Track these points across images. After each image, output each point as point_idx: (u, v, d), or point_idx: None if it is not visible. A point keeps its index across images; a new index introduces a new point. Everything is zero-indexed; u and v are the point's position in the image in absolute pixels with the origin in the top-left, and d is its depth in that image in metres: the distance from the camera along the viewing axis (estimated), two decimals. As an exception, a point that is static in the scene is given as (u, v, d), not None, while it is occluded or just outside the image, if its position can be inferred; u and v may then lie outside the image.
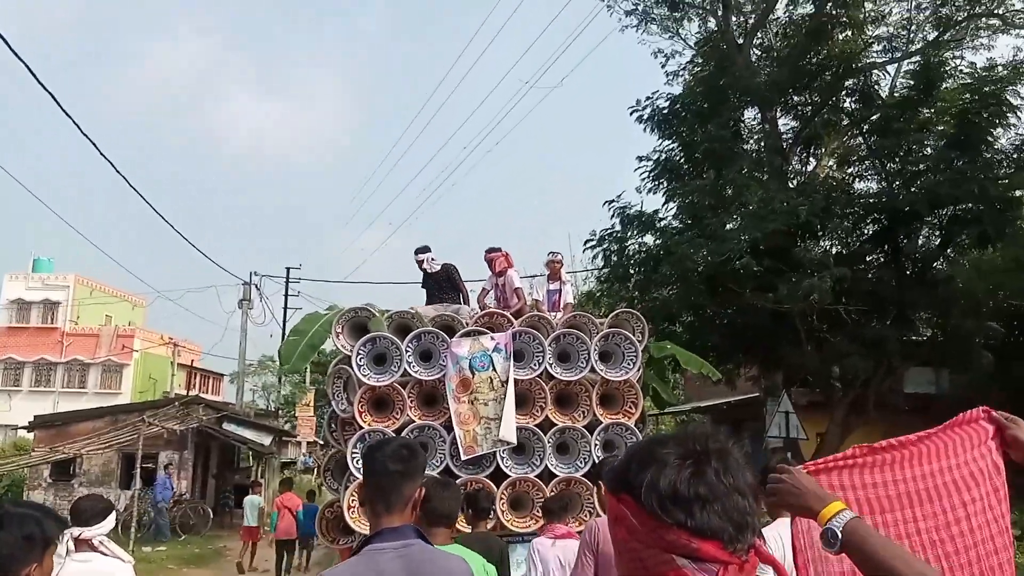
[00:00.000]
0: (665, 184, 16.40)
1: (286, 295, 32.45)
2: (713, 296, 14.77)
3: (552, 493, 7.05)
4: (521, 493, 7.28)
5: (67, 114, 11.30)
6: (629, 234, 16.07)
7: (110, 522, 3.76)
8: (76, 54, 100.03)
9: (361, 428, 7.22)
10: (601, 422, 7.51)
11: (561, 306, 9.12)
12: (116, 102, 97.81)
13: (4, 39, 9.10)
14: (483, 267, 9.21)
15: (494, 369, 7.33)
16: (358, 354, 7.33)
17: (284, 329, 31.09)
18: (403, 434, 7.25)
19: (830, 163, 17.49)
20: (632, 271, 16.09)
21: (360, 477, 7.06)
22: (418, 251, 9.02)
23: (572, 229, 57.67)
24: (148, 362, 46.80)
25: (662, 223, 16.18)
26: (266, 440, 23.05)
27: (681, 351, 9.65)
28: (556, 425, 7.46)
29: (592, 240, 16.39)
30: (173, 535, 19.13)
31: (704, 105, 15.93)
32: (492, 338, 7.44)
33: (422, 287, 9.17)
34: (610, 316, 8.44)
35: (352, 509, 7.00)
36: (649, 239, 16.11)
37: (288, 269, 32.80)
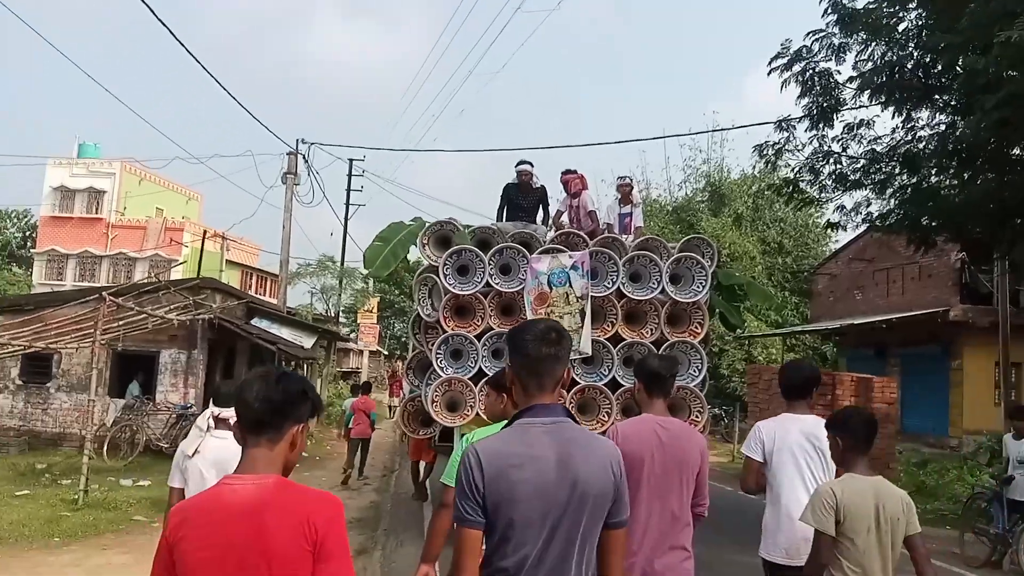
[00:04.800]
0: None
1: (348, 189, 32.13)
2: None
3: (617, 403, 8.38)
4: (588, 399, 8.60)
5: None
6: (853, 41, 11.67)
7: None
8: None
9: (445, 332, 8.59)
10: (668, 339, 8.73)
11: (632, 229, 10.23)
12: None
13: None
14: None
15: (571, 285, 8.54)
16: (444, 264, 8.62)
17: (346, 224, 31.47)
18: (482, 340, 8.60)
19: None
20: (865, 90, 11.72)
21: (442, 375, 8.48)
22: (524, 162, 10.15)
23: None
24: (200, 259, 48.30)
25: (901, 24, 11.47)
26: (307, 342, 19.77)
27: (749, 281, 10.65)
28: (624, 340, 8.70)
29: (783, 56, 11.91)
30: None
31: None
32: (570, 256, 8.62)
33: (502, 196, 10.23)
34: (682, 241, 9.54)
35: (436, 403, 8.43)
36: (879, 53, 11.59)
37: (351, 161, 32.07)
